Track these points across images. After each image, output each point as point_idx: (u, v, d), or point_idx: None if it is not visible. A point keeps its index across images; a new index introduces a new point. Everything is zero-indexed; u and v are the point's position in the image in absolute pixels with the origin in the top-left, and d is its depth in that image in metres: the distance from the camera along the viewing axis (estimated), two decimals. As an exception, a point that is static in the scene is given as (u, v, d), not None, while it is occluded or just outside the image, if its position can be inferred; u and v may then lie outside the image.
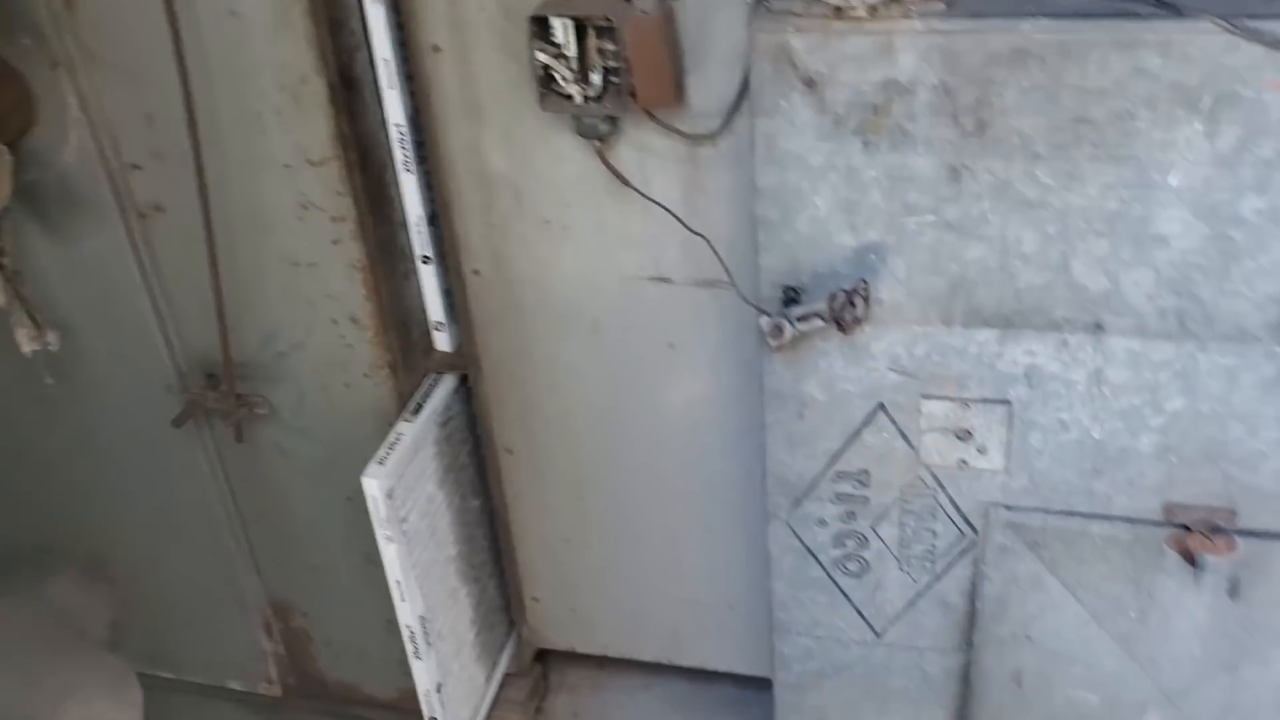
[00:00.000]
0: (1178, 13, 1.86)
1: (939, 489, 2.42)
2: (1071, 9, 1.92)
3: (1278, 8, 1.84)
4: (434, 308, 2.80)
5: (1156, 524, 2.31)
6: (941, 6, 1.97)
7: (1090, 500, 2.33)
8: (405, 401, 2.82)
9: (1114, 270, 2.08)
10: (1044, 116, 1.96)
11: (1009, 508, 2.39)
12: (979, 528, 2.43)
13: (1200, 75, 1.87)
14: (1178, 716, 2.50)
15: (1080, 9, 1.91)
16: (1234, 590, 2.32)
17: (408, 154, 2.56)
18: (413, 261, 2.73)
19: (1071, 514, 2.36)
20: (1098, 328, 2.15)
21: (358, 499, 2.64)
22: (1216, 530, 2.27)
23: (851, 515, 2.50)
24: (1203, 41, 1.84)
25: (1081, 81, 1.92)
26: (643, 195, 2.46)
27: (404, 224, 2.67)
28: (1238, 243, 1.99)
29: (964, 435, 2.34)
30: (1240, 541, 2.26)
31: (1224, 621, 2.36)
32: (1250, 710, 2.45)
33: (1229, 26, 1.82)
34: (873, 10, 1.97)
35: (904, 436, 2.37)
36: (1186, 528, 2.29)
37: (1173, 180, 1.97)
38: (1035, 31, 1.91)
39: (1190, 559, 2.30)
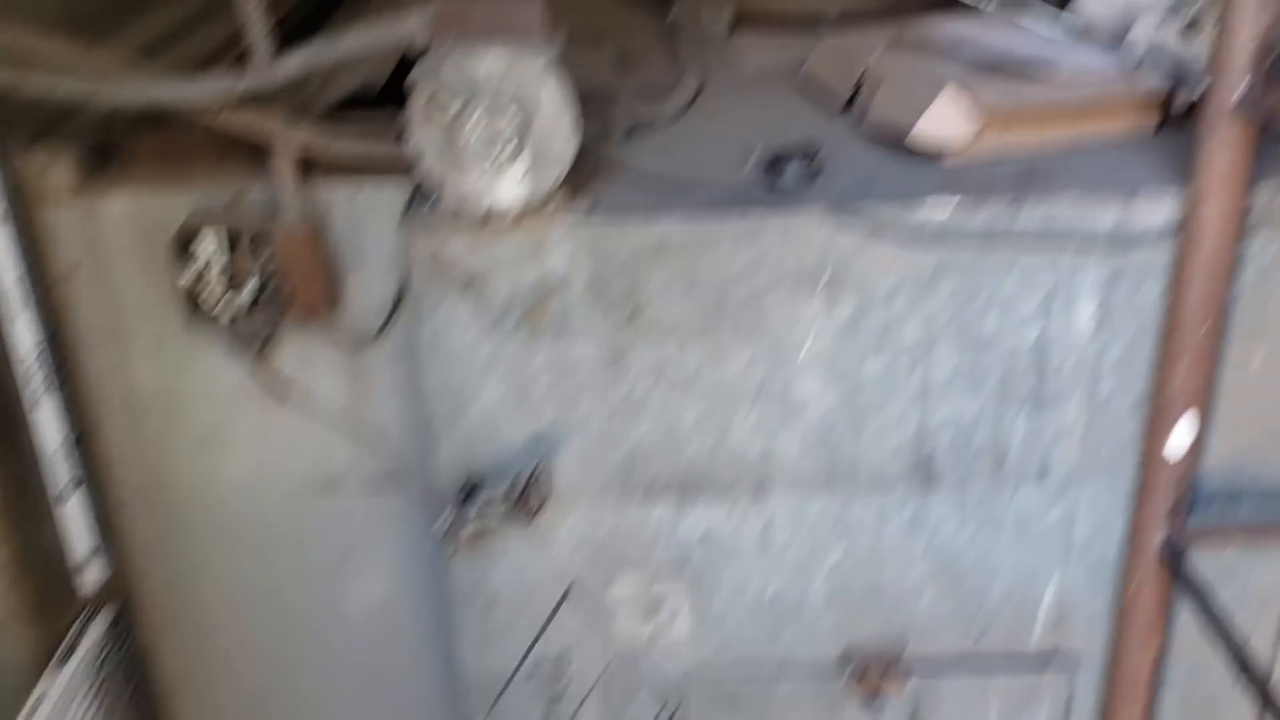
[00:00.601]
0: (794, 202, 2.09)
1: (636, 664, 2.45)
2: (705, 199, 2.11)
3: (877, 192, 2.10)
4: (80, 540, 2.56)
5: (838, 668, 2.45)
6: (585, 207, 2.10)
7: (776, 653, 2.44)
8: (53, 650, 2.52)
9: (767, 435, 2.25)
10: (688, 301, 2.13)
11: (702, 673, 2.46)
12: (679, 696, 2.47)
13: (816, 257, 2.09)
14: None
15: (714, 198, 2.11)
16: (914, 718, 2.49)
17: (45, 379, 2.37)
18: (55, 493, 2.49)
19: (761, 670, 2.46)
20: (760, 489, 2.30)
21: (-2, 774, 2.32)
22: (890, 666, 2.44)
23: (554, 704, 2.47)
24: (815, 226, 2.07)
25: (716, 268, 2.10)
26: (305, 404, 2.40)
27: (42, 454, 2.45)
28: (865, 401, 2.21)
29: (653, 608, 2.39)
30: (913, 673, 2.44)
31: (908, 752, 2.52)
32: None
33: (834, 213, 2.06)
34: (519, 216, 2.07)
35: (597, 618, 2.39)
36: (864, 669, 2.44)
37: (804, 351, 2.17)
38: (672, 226, 2.07)
39: (871, 697, 2.44)
